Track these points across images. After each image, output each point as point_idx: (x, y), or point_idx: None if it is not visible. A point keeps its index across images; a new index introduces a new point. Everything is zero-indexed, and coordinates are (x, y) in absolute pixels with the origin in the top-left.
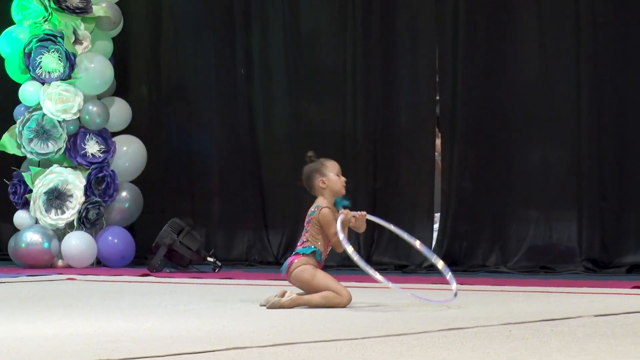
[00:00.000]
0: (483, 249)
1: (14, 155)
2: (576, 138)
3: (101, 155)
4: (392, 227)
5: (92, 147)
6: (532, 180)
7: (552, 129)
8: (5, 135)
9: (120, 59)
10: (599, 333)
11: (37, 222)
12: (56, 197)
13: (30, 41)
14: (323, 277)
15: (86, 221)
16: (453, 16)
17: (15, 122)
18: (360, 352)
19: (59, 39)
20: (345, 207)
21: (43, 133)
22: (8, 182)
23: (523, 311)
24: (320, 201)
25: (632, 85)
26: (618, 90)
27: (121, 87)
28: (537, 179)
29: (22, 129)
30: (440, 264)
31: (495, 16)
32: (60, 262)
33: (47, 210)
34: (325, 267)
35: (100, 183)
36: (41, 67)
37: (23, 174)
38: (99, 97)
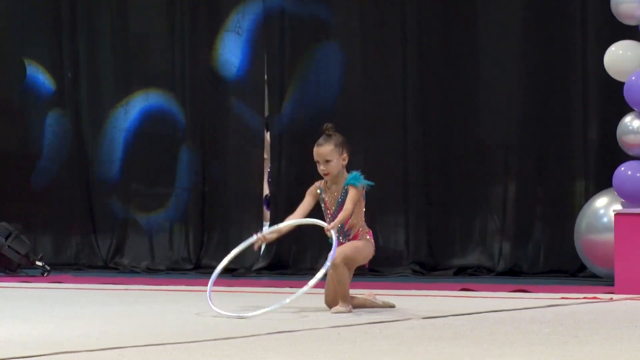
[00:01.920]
0: (311, 252)
1: None
2: (402, 143)
3: None
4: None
5: None
6: None
7: (378, 134)
8: None
9: None
10: (427, 335)
11: None
12: None
13: None
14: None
15: None
16: (280, 20)
17: None
18: (190, 356)
19: None
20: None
21: None
22: None
23: (352, 314)
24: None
25: (457, 91)
26: (443, 96)
27: None
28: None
29: None
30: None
31: (320, 20)
32: None
33: None
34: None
35: None
36: None
37: None
38: None
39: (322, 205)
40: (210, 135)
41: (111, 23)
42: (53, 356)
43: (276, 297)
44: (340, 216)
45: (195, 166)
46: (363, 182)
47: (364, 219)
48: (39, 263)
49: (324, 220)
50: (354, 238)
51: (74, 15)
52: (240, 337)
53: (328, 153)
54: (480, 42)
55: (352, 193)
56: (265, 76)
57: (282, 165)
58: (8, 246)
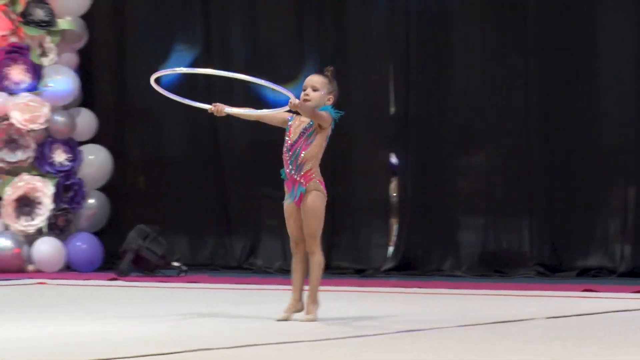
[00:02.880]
0: (438, 253)
1: None
2: (525, 148)
3: (68, 163)
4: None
5: (60, 156)
6: (482, 186)
7: (499, 135)
8: None
9: (85, 70)
10: (551, 335)
11: (7, 228)
12: (25, 205)
13: None
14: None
15: (55, 227)
16: (405, 33)
17: None
18: (322, 354)
19: (25, 51)
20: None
21: (12, 142)
22: None
23: (477, 314)
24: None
25: (577, 95)
26: (564, 101)
27: (87, 98)
28: (486, 185)
29: None
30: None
31: (445, 30)
32: (30, 267)
33: (17, 217)
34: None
35: (68, 191)
36: (8, 79)
37: None
38: (66, 108)
39: (287, 131)
40: (341, 140)
41: (242, 32)
42: (192, 353)
43: (403, 298)
44: (307, 106)
45: (324, 169)
46: (332, 112)
47: (319, 161)
48: (175, 264)
49: (281, 149)
50: (305, 176)
51: (208, 26)
52: (367, 335)
53: (318, 82)
54: (598, 49)
55: (322, 112)
56: (392, 86)
57: (407, 172)
58: (146, 247)
